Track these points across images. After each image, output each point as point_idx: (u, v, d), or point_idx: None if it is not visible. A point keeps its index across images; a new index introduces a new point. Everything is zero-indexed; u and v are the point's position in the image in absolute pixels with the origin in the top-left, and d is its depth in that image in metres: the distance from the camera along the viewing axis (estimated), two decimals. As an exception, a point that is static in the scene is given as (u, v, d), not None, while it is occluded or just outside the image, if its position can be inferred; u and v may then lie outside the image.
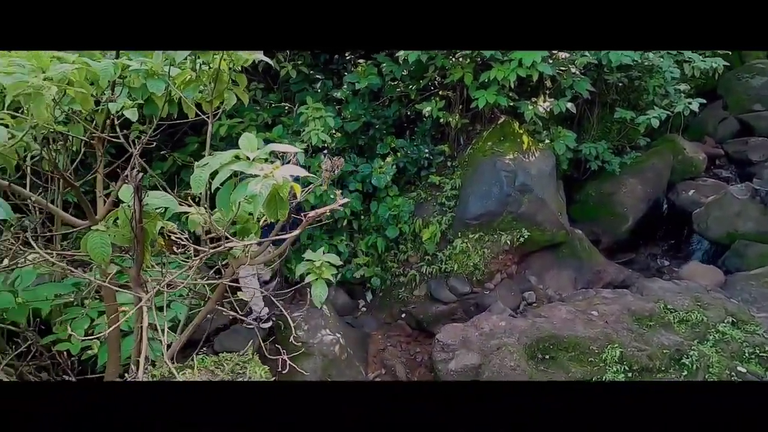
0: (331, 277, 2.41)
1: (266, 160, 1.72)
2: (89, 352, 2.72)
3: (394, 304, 5.09)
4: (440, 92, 5.18)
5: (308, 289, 2.96)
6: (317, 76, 5.39)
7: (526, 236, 4.94)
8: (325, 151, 4.86)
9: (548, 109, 5.13)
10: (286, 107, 4.68)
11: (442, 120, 5.04)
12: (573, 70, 5.15)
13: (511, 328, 4.15)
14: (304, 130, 4.62)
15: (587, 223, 5.91)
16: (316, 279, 2.40)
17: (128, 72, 1.85)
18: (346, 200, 2.10)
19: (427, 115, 5.05)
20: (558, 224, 5.17)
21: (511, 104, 4.95)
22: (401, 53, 4.68)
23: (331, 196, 4.53)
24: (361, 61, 5.40)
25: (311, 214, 1.92)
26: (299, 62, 5.05)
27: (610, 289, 4.84)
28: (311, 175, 1.92)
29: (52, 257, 1.86)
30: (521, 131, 5.23)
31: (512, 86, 4.68)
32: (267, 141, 4.53)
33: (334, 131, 4.82)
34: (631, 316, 4.28)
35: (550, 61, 4.87)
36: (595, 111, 5.97)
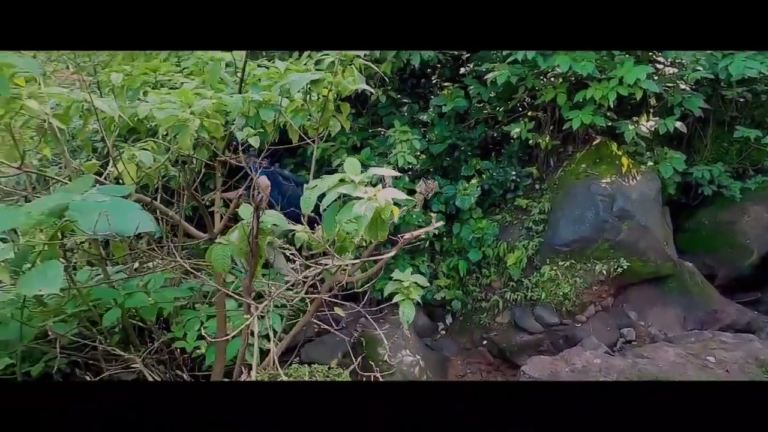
0: (418, 298, 2.43)
1: (367, 183, 1.81)
2: (198, 351, 3.02)
3: (474, 330, 4.93)
4: (529, 113, 5.04)
5: (389, 308, 2.96)
6: (404, 100, 5.56)
7: (625, 266, 4.52)
8: (410, 173, 4.96)
9: (652, 129, 4.72)
10: (382, 132, 4.87)
11: (530, 141, 4.88)
12: (682, 86, 4.70)
13: (607, 366, 3.79)
14: (390, 152, 4.77)
15: (699, 254, 5.24)
16: (404, 299, 2.44)
17: (249, 103, 2.08)
18: (440, 223, 2.12)
19: (515, 137, 4.93)
20: (663, 254, 4.66)
21: (609, 124, 4.64)
22: (490, 75, 4.66)
23: (414, 217, 4.58)
24: (447, 84, 5.48)
25: (407, 236, 1.97)
26: (388, 87, 5.26)
27: (731, 333, 4.21)
28: (409, 197, 1.97)
29: (183, 265, 2.12)
30: (620, 153, 4.86)
31: (611, 106, 4.40)
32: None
33: (419, 153, 4.90)
34: (760, 366, 3.67)
35: (656, 78, 4.50)
36: (708, 130, 5.36)
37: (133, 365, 2.22)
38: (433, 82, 5.76)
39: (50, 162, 3.70)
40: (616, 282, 4.71)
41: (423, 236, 4.75)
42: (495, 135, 5.31)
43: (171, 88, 3.12)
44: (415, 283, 2.48)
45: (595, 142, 4.96)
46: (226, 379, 2.47)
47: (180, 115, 1.69)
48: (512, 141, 5.08)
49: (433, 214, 2.08)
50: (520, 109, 5.15)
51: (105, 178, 2.34)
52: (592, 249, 4.57)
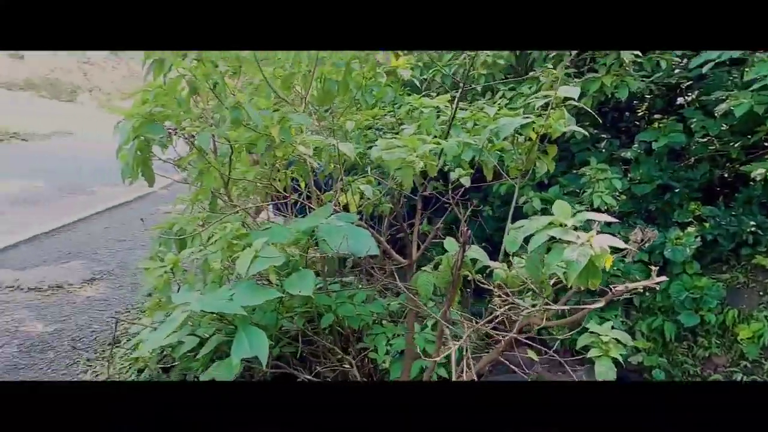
0: (619, 357, 2.18)
1: (577, 228, 1.75)
2: (383, 365, 3.33)
3: (684, 411, 4.03)
4: (781, 149, 4.00)
5: (573, 362, 2.70)
6: (602, 135, 5.12)
7: None
8: (610, 215, 4.48)
9: None
10: (585, 176, 4.56)
11: (782, 185, 3.85)
12: None
13: None
14: (583, 192, 4.42)
15: None
16: (601, 356, 2.22)
17: (462, 146, 2.28)
18: (663, 278, 1.87)
19: (757, 179, 3.97)
20: None
21: None
22: (722, 106, 3.90)
23: (612, 266, 4.10)
24: (658, 116, 4.82)
25: (620, 287, 1.80)
26: (586, 123, 4.93)
27: None
28: (627, 246, 1.81)
29: (398, 285, 2.42)
30: None
31: None
32: (542, 201, 4.58)
33: (619, 193, 4.41)
34: None
35: None
36: None
37: (345, 365, 2.60)
38: (639, 114, 5.15)
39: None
40: None
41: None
42: (725, 176, 4.38)
43: (377, 129, 3.66)
44: (616, 339, 2.24)
45: None
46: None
47: (406, 158, 1.97)
48: (752, 183, 4.10)
49: (653, 267, 1.81)
50: (766, 144, 4.14)
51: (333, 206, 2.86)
52: None
